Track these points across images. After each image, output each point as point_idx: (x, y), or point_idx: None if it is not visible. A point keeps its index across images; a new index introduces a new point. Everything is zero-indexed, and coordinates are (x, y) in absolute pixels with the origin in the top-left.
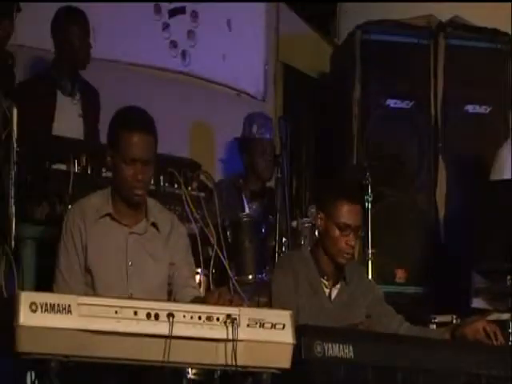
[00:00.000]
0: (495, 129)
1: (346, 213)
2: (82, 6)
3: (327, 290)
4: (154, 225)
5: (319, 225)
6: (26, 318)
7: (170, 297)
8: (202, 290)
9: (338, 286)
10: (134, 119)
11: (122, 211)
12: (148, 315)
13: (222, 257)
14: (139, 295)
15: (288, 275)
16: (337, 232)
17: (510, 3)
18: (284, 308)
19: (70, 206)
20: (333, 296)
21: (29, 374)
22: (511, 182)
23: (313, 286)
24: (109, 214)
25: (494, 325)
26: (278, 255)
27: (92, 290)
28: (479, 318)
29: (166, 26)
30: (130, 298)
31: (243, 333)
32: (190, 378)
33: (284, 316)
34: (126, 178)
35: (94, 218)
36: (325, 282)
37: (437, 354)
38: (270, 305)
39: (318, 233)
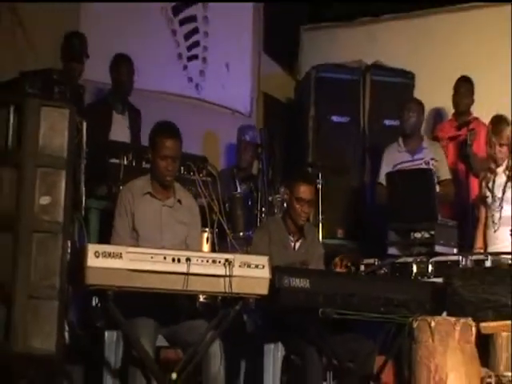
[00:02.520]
0: None
1: (303, 191)
2: (129, 52)
3: (292, 244)
4: (179, 201)
5: (286, 199)
6: (91, 261)
7: None
8: (209, 243)
9: (300, 241)
10: (166, 129)
11: (158, 190)
12: (173, 259)
13: (222, 220)
14: (169, 247)
15: (265, 234)
16: (296, 203)
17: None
18: (259, 254)
19: (121, 187)
20: (296, 247)
21: (94, 299)
22: (410, 171)
23: (283, 240)
24: (149, 193)
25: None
26: (260, 219)
27: (137, 242)
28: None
29: (185, 67)
30: (163, 248)
31: (236, 271)
32: (201, 301)
33: (263, 259)
34: (160, 169)
35: (139, 194)
36: (291, 238)
37: (364, 284)
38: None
39: (286, 205)
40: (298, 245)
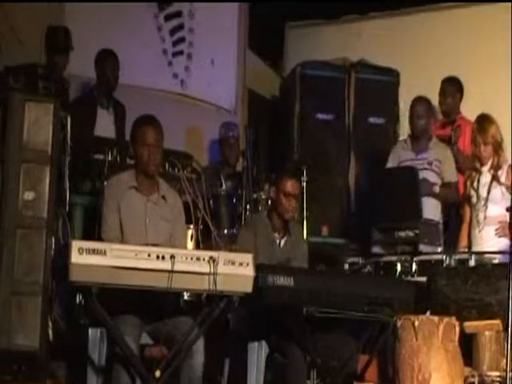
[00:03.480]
0: (387, 134)
1: (289, 185)
2: (114, 47)
3: (277, 241)
4: (163, 197)
5: (272, 196)
6: (75, 258)
7: None
8: (193, 240)
9: (285, 238)
10: (146, 118)
11: (143, 185)
12: (157, 256)
13: (206, 217)
14: (153, 243)
15: (250, 231)
16: (283, 198)
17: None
18: (245, 251)
19: (105, 183)
20: (281, 245)
21: (78, 295)
22: (396, 169)
23: (268, 237)
24: (134, 187)
25: None
26: (244, 217)
27: (121, 236)
28: None
29: (170, 63)
30: (147, 245)
31: (220, 268)
32: (185, 299)
33: (248, 257)
34: (143, 157)
35: (124, 188)
36: (276, 235)
37: (349, 283)
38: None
39: (271, 201)
40: (283, 242)
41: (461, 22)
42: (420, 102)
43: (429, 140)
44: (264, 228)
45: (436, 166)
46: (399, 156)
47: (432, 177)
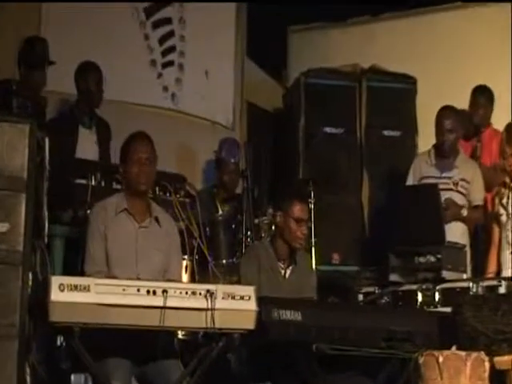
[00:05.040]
0: (405, 147)
1: (300, 210)
2: (97, 60)
3: (282, 271)
4: (156, 220)
5: (277, 221)
6: (55, 295)
7: None
8: (188, 272)
9: (291, 267)
10: (137, 135)
11: (134, 208)
12: (148, 291)
13: (202, 246)
14: (145, 277)
15: (252, 260)
16: (294, 224)
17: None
18: (249, 284)
19: (88, 211)
20: (287, 275)
21: (58, 337)
22: (416, 186)
23: (272, 267)
24: (125, 209)
25: None
26: (245, 244)
27: (108, 268)
28: None
29: (159, 75)
30: (137, 278)
31: (219, 303)
32: (179, 338)
33: (249, 290)
34: (133, 173)
35: (113, 213)
36: (281, 264)
37: (363, 315)
38: (239, 282)
39: (276, 227)
40: (288, 272)
41: (484, 20)
42: (448, 113)
43: (455, 156)
44: (268, 257)
45: (463, 186)
46: (421, 171)
47: (458, 198)
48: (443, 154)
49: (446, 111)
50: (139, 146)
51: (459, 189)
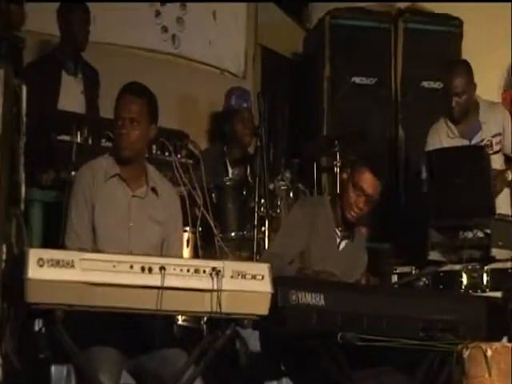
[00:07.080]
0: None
1: (364, 179)
2: None
3: (338, 240)
4: (153, 190)
5: (343, 178)
6: (34, 272)
7: None
8: (190, 246)
9: (345, 241)
10: (124, 88)
11: (127, 173)
12: (142, 268)
13: (207, 216)
14: (138, 252)
15: (307, 214)
16: (352, 191)
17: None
18: (292, 244)
19: (73, 172)
20: (340, 247)
21: (37, 322)
22: (461, 148)
23: (329, 231)
24: (117, 175)
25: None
26: (257, 215)
27: (94, 244)
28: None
29: (157, 13)
30: (130, 253)
31: (227, 283)
32: (179, 325)
33: (263, 268)
34: (115, 134)
35: (102, 178)
36: (338, 232)
37: (398, 301)
38: (250, 258)
39: (340, 185)
40: (343, 245)
41: None
42: (457, 70)
43: (476, 110)
44: (325, 219)
45: (498, 143)
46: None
47: (497, 162)
48: (460, 120)
49: (454, 68)
50: (123, 102)
51: (495, 148)
